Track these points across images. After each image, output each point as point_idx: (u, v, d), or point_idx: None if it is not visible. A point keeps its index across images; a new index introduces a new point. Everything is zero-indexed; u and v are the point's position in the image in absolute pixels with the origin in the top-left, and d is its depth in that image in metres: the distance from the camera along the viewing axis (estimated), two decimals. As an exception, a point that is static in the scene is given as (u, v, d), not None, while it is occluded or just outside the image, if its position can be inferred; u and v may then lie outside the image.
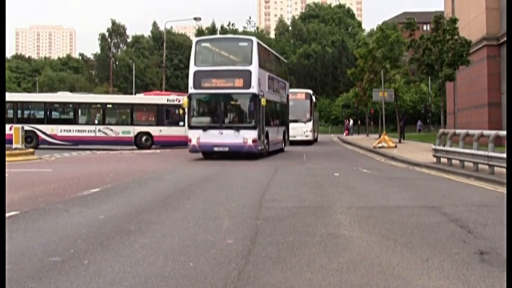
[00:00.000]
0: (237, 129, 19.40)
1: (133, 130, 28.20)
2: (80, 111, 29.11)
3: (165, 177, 13.82)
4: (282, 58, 30.52)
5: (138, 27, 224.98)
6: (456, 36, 26.43)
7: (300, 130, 32.03)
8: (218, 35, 25.74)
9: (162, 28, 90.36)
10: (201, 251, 5.59)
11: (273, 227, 6.87)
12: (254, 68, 19.73)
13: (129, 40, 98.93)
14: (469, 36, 27.10)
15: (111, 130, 28.18)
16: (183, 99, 21.06)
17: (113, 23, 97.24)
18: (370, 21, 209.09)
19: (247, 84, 19.44)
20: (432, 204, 8.85)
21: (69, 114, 29.32)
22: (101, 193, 10.27)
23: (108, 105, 29.32)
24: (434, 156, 16.99)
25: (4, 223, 6.11)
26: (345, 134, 53.50)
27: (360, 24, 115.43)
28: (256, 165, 17.35)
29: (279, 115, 25.08)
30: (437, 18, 27.45)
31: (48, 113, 28.55)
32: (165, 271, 4.86)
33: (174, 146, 27.79)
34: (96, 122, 28.88)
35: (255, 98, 19.53)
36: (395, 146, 26.96)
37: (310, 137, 32.79)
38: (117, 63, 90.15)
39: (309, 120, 32.80)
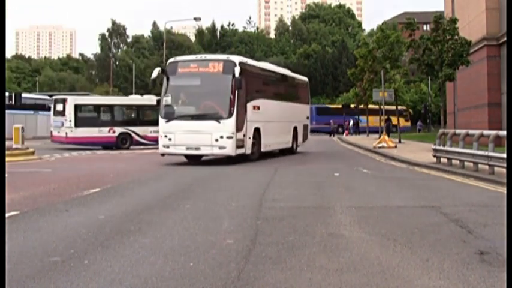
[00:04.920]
0: None
1: None
2: None
3: (164, 177, 13.81)
4: None
5: (138, 27, 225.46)
6: (456, 36, 26.42)
7: (207, 137, 16.59)
8: None
9: (162, 28, 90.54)
10: (201, 251, 5.59)
11: (273, 227, 6.87)
12: None
13: (129, 40, 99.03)
14: (469, 36, 27.10)
15: None
16: None
17: (113, 23, 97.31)
18: (370, 21, 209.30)
19: None
20: (432, 204, 8.85)
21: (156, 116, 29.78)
22: (101, 193, 10.26)
23: None
24: (434, 156, 16.98)
25: (4, 223, 6.10)
26: (345, 134, 53.52)
27: (360, 24, 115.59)
28: (257, 165, 17.34)
29: None
30: (437, 18, 27.42)
31: (140, 115, 29.29)
32: (165, 271, 4.86)
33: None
34: None
35: None
36: (395, 146, 26.96)
37: (228, 149, 16.76)
38: (117, 63, 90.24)
39: (228, 115, 16.68)
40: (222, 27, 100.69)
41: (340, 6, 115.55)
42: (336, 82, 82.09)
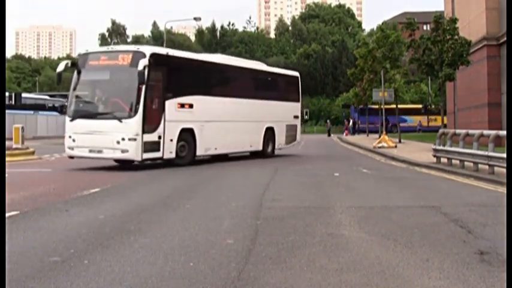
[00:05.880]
0: None
1: None
2: None
3: (164, 177, 13.82)
4: None
5: (138, 27, 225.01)
6: (456, 36, 26.39)
7: (109, 138, 14.87)
8: None
9: (162, 28, 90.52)
10: (201, 251, 5.59)
11: (273, 227, 6.87)
12: None
13: (129, 40, 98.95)
14: (469, 36, 27.08)
15: None
16: None
17: (113, 23, 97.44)
18: (370, 21, 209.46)
19: None
20: (432, 204, 8.85)
21: None
22: (101, 193, 10.27)
23: None
24: (434, 156, 16.99)
25: (4, 223, 6.10)
26: (344, 134, 53.57)
27: (360, 24, 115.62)
28: (257, 165, 17.35)
29: None
30: (437, 18, 27.39)
31: None
32: (165, 271, 4.86)
33: None
34: None
35: None
36: (395, 146, 26.96)
37: (131, 153, 14.79)
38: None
39: (132, 114, 14.77)
40: (222, 27, 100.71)
41: (340, 6, 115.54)
42: (336, 82, 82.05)
